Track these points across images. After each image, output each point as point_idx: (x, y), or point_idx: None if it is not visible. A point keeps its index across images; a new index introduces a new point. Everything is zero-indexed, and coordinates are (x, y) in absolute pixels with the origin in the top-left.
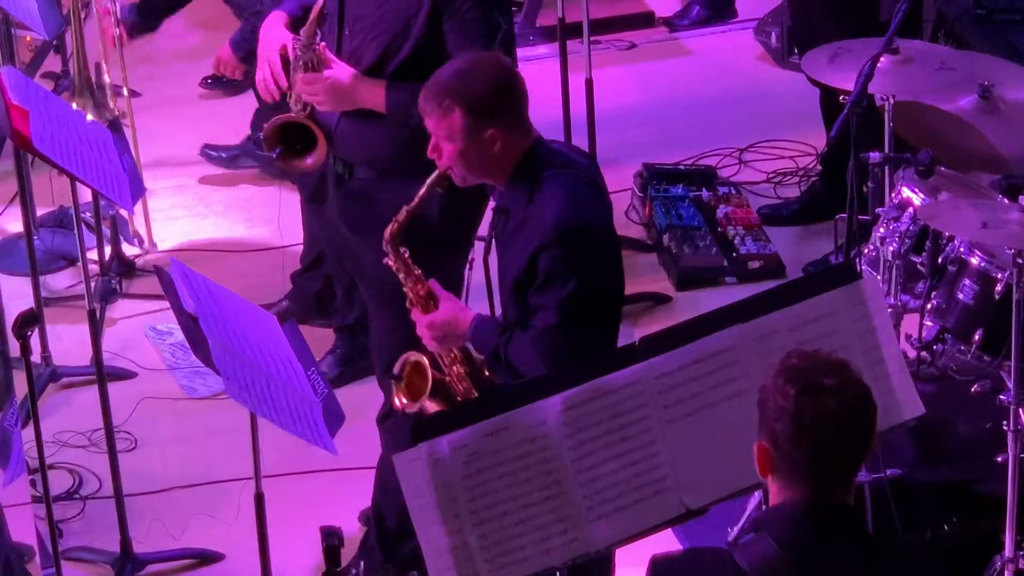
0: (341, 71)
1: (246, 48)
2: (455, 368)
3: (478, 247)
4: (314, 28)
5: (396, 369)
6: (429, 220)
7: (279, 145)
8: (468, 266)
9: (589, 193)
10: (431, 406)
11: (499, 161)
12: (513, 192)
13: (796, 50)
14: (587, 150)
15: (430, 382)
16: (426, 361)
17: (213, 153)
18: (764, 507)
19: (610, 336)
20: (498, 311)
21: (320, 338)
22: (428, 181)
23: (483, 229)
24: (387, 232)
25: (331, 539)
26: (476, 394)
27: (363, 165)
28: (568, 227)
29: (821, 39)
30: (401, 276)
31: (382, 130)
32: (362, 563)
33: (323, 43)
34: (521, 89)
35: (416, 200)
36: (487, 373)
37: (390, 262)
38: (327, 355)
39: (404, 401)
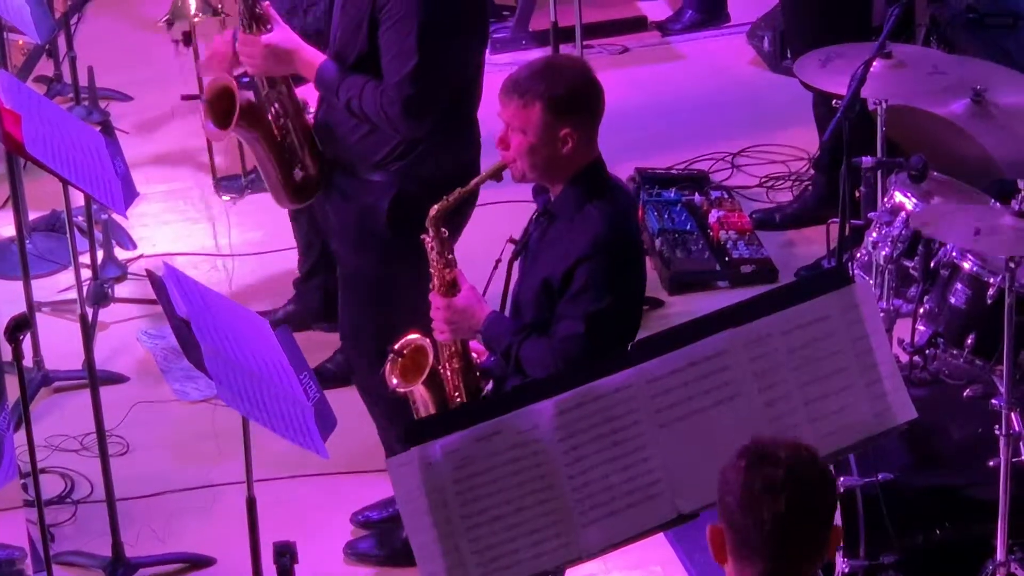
0: (281, 35)
1: None
2: (452, 362)
3: (507, 248)
4: None
5: (398, 346)
6: (376, 221)
7: (213, 102)
8: (493, 266)
9: (634, 223)
10: (422, 392)
11: (564, 163)
12: (566, 198)
13: (789, 54)
14: None
15: (429, 366)
16: (430, 346)
17: (229, 184)
18: None
19: None
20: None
21: (324, 343)
22: (485, 172)
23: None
24: (432, 210)
25: (283, 558)
26: (464, 392)
27: (339, 162)
28: (618, 246)
29: (814, 43)
30: (433, 255)
31: (346, 126)
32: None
33: (267, 2)
34: (602, 100)
35: (470, 184)
36: (478, 374)
37: (427, 239)
38: (336, 354)
39: (397, 380)
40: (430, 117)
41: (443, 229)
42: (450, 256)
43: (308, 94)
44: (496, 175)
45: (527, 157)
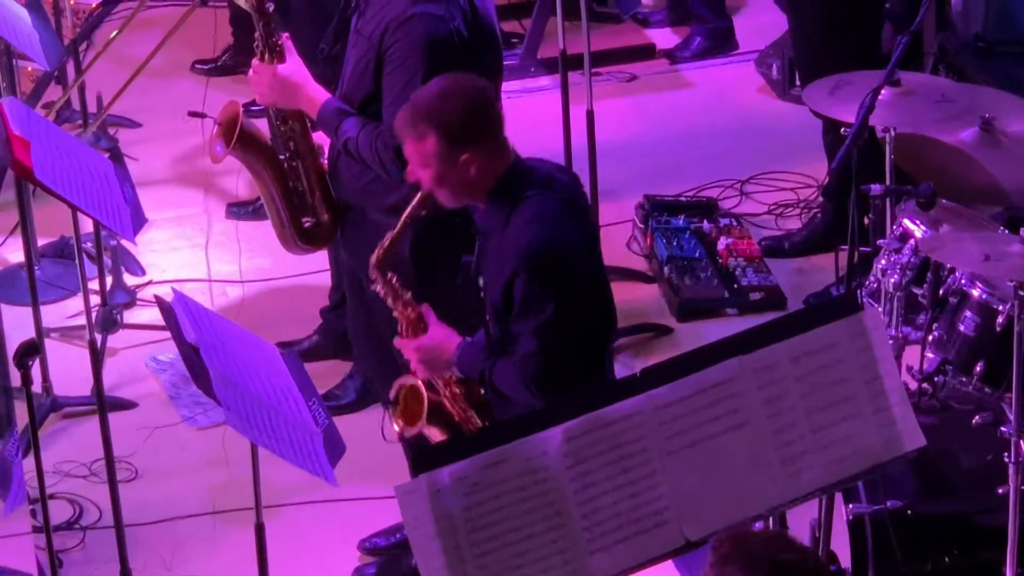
0: (293, 68)
1: None
2: (451, 389)
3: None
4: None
5: (391, 394)
6: (402, 260)
7: (225, 126)
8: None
9: (565, 214)
10: (430, 430)
11: (477, 184)
12: (492, 214)
13: (797, 82)
14: (588, 182)
15: (426, 406)
16: (421, 385)
17: (238, 210)
18: None
19: (597, 358)
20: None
21: (338, 371)
22: (411, 205)
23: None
24: (372, 258)
25: None
26: (473, 414)
27: (350, 206)
28: (538, 253)
29: (822, 71)
30: (389, 301)
31: (354, 169)
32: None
33: (286, 34)
34: (496, 111)
35: (399, 225)
36: (482, 391)
37: (378, 288)
38: (345, 380)
39: (401, 425)
40: None
41: (390, 274)
42: (406, 296)
43: (324, 139)
44: (424, 206)
45: (438, 188)
